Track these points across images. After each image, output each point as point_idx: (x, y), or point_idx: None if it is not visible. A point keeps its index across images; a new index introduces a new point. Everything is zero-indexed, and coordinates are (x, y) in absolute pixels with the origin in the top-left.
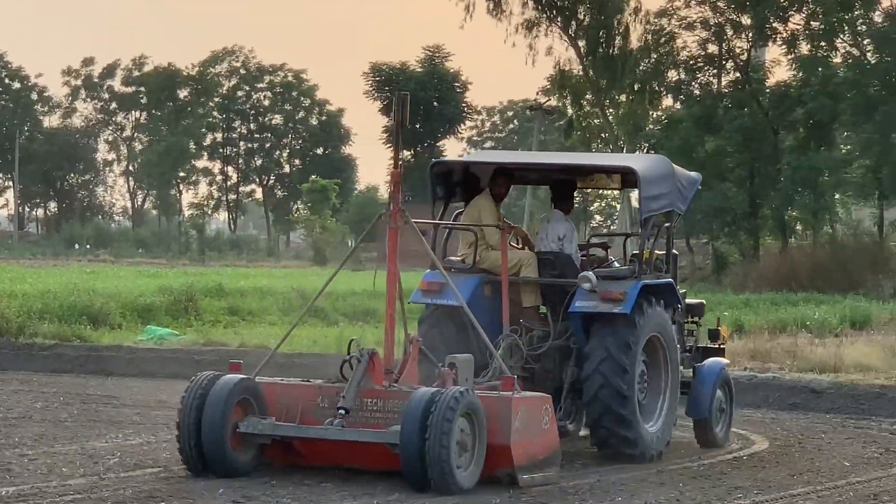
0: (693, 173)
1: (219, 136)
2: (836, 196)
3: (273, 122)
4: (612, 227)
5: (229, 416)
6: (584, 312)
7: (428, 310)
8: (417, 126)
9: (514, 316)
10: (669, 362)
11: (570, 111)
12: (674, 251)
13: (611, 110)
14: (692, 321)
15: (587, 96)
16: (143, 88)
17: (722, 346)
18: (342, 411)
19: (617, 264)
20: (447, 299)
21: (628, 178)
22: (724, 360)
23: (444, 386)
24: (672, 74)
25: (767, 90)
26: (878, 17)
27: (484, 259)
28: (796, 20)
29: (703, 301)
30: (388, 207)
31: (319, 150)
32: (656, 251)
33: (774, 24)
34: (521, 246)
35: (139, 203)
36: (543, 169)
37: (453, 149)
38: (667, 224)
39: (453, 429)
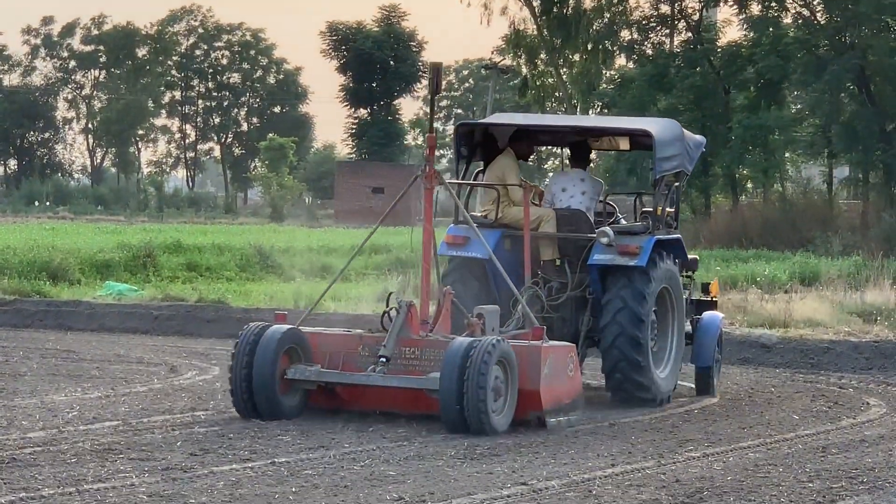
0: (698, 136)
1: (177, 94)
2: (787, 154)
3: (231, 80)
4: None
5: (278, 363)
6: (602, 265)
7: (452, 263)
8: (374, 85)
9: (532, 269)
10: (677, 313)
11: (524, 70)
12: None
13: (565, 69)
14: (686, 275)
15: (541, 56)
16: (101, 47)
17: (714, 300)
18: (383, 359)
19: (623, 221)
20: (472, 251)
21: (642, 141)
22: (720, 314)
23: (472, 335)
24: (625, 34)
25: (719, 50)
26: None
27: (505, 215)
28: None
29: (697, 257)
30: (423, 169)
31: (277, 109)
32: (667, 209)
33: None
34: (539, 203)
35: (98, 161)
36: (561, 131)
37: (409, 108)
38: (676, 183)
39: (489, 376)
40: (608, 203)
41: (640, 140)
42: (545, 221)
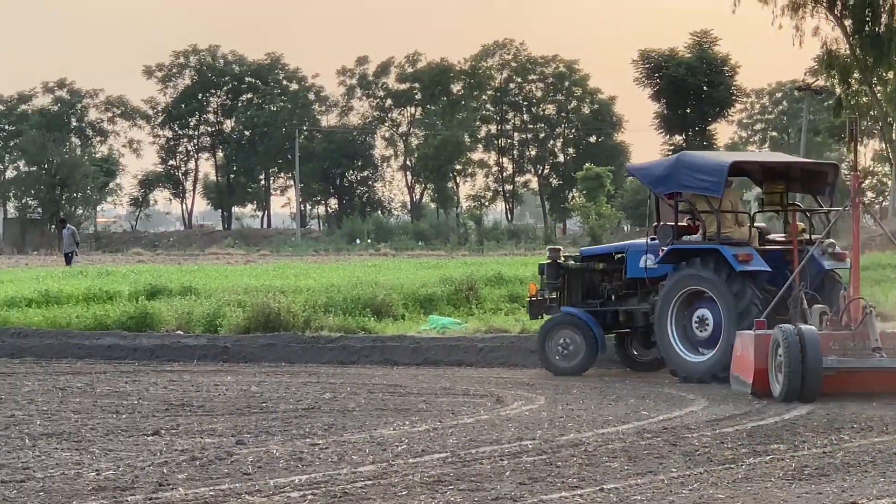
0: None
1: (493, 128)
2: None
3: (546, 112)
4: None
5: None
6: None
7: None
8: (688, 111)
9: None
10: None
11: (838, 90)
12: None
13: (879, 88)
14: None
15: (854, 75)
16: (417, 84)
17: None
18: (878, 350)
19: None
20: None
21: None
22: None
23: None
24: None
25: None
26: None
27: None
28: None
29: None
30: (851, 202)
31: (592, 139)
32: None
33: None
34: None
35: (417, 197)
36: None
37: (724, 133)
38: None
39: None
40: None
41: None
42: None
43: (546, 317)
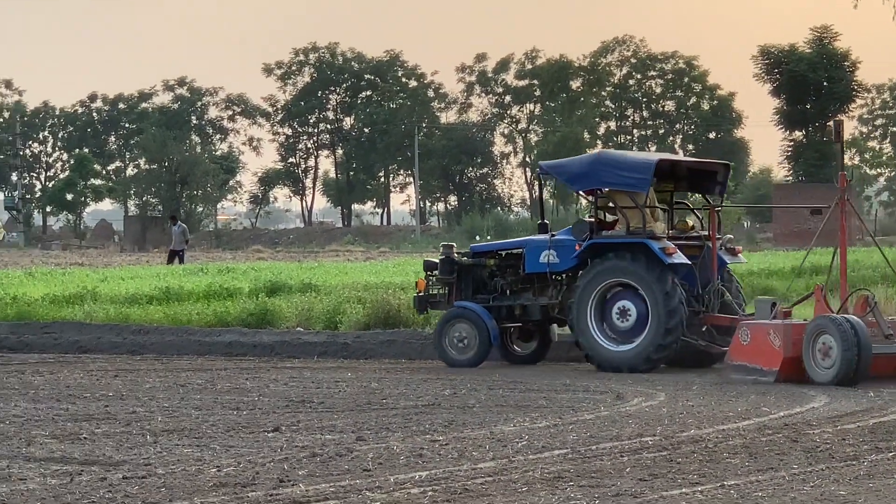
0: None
1: (612, 124)
2: None
3: (665, 108)
4: None
5: None
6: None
7: None
8: (808, 106)
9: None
10: None
11: None
12: None
13: None
14: None
15: None
16: (536, 81)
17: None
18: (892, 336)
19: None
20: None
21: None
22: None
23: None
24: None
25: None
26: None
27: None
28: None
29: None
30: (838, 200)
31: (712, 135)
32: None
33: None
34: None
35: (536, 193)
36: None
37: (845, 128)
38: None
39: None
40: None
41: None
42: None
43: (432, 312)
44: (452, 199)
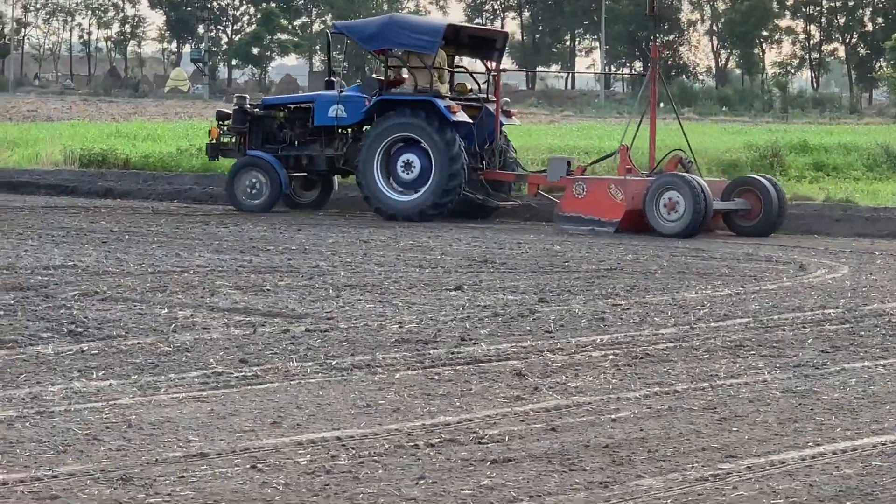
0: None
1: None
2: None
3: None
4: None
5: None
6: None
7: None
8: None
9: None
10: None
11: None
12: None
13: None
14: None
15: None
16: None
17: None
18: None
19: None
20: None
21: None
22: None
23: None
24: None
25: None
26: None
27: None
28: None
29: None
30: (650, 69)
31: None
32: None
33: None
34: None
35: (723, 62)
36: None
37: None
38: None
39: None
40: None
41: None
42: None
43: (223, 159)
44: (638, 65)
